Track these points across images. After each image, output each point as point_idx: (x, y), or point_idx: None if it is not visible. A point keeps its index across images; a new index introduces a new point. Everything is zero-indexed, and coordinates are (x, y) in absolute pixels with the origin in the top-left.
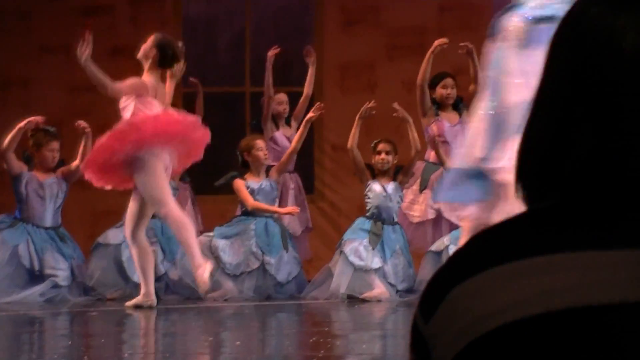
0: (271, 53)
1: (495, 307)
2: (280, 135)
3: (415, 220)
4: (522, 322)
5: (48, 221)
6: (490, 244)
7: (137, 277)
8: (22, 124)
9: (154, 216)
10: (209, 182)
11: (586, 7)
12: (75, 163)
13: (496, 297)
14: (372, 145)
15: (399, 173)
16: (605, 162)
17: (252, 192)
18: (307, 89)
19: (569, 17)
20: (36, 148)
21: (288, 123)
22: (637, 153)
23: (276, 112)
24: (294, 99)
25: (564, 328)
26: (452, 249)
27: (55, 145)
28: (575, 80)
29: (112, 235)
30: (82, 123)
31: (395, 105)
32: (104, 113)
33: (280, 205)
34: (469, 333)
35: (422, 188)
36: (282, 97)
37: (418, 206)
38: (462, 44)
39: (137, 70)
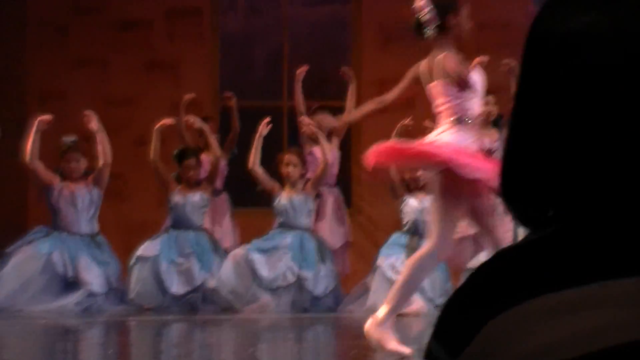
0: (300, 71)
1: (541, 346)
2: (318, 150)
3: (457, 235)
4: None
5: (83, 229)
6: (520, 271)
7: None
8: (33, 127)
9: (186, 228)
10: (246, 195)
11: (540, 14)
12: (99, 164)
13: (541, 335)
14: None
15: None
16: (605, 173)
17: (282, 208)
18: (349, 104)
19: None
20: (61, 159)
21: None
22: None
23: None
24: (331, 113)
25: None
26: None
27: (75, 155)
28: (544, 90)
29: (150, 248)
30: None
31: (427, 123)
32: (140, 126)
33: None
34: None
35: None
36: (324, 118)
37: None
38: (504, 61)
39: (173, 85)
